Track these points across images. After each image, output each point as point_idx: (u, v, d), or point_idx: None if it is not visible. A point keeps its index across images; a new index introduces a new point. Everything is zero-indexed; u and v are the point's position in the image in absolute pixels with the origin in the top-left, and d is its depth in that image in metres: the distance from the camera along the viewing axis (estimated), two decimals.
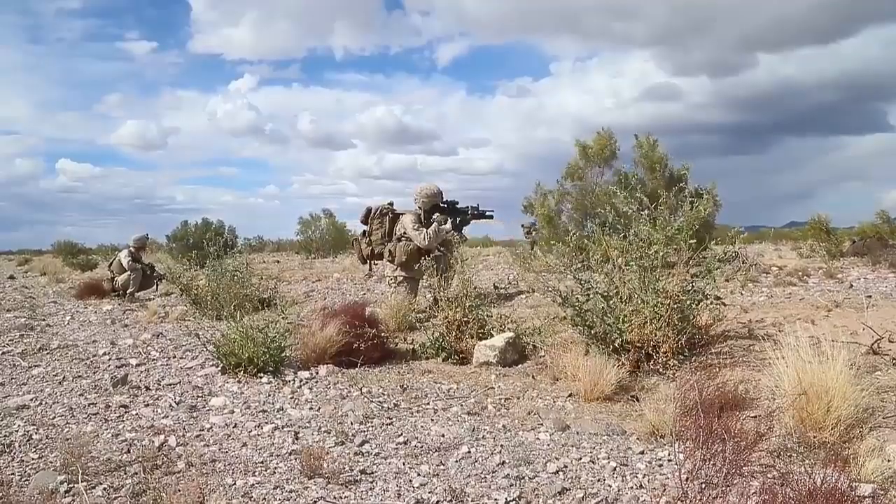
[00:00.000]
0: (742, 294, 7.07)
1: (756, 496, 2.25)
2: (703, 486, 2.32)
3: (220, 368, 4.53)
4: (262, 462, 2.91)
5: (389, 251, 7.11)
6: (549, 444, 3.16)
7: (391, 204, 7.43)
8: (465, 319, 5.03)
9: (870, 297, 6.48)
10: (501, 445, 3.13)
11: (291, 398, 3.97)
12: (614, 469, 2.83)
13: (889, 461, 2.65)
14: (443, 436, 3.29)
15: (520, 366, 4.75)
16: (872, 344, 4.25)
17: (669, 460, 2.89)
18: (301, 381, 4.34)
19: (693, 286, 4.43)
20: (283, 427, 3.39)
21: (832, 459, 2.63)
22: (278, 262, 18.86)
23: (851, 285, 7.95)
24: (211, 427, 3.40)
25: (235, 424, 3.44)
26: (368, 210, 7.45)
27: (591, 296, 4.57)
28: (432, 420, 3.59)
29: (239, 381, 4.30)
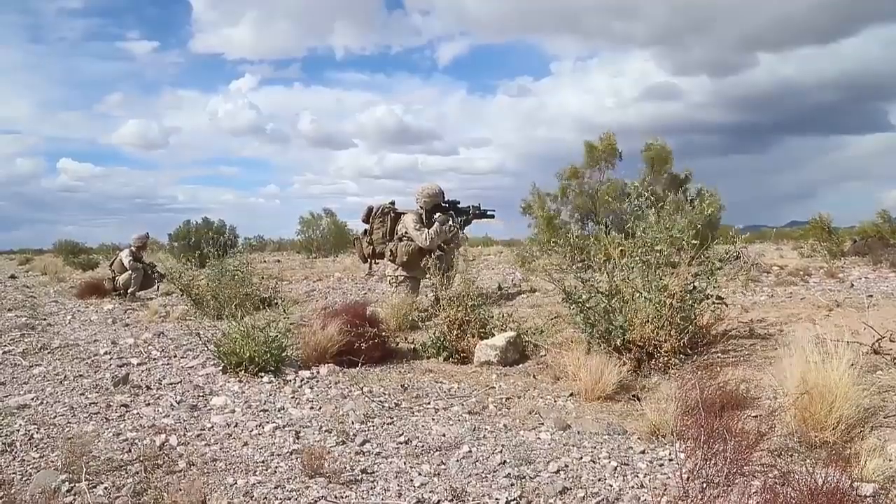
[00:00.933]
0: (744, 293, 7.07)
1: (757, 496, 2.24)
2: (705, 485, 2.32)
3: (221, 368, 4.54)
4: (263, 461, 2.91)
5: (391, 251, 7.12)
6: (550, 444, 3.16)
7: (392, 203, 7.43)
8: (467, 319, 5.03)
9: (871, 296, 6.48)
10: (502, 445, 3.13)
11: (292, 397, 3.97)
12: (615, 468, 2.83)
13: (890, 461, 2.65)
14: (444, 435, 3.29)
15: (521, 365, 4.75)
16: (873, 343, 4.24)
17: (670, 460, 2.89)
18: (302, 380, 4.34)
19: (695, 285, 4.43)
20: (284, 426, 3.39)
21: (833, 459, 2.62)
22: (279, 261, 18.86)
23: (852, 285, 7.95)
24: (212, 426, 3.40)
25: (236, 424, 3.44)
26: (370, 209, 7.46)
27: (594, 294, 4.57)
28: (433, 419, 3.59)
29: (240, 381, 4.30)
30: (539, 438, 3.25)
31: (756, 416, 3.14)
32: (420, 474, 2.77)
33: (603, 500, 2.53)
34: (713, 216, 4.42)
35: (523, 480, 2.70)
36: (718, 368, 3.90)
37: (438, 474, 2.79)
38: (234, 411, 3.67)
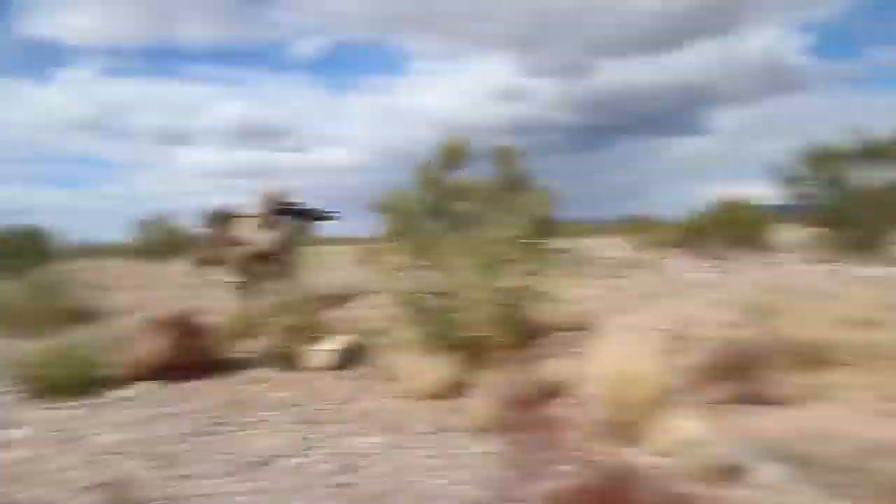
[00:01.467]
0: (572, 288, 7.50)
1: (566, 478, 2.38)
2: (523, 474, 2.43)
3: (24, 393, 4.06)
4: (65, 499, 2.63)
5: (228, 255, 6.79)
6: (379, 447, 3.15)
7: (232, 205, 7.11)
8: (302, 325, 4.89)
9: (686, 285, 7.14)
10: (331, 453, 3.08)
11: (104, 421, 3.63)
12: (443, 466, 2.87)
13: (678, 434, 2.92)
14: (271, 448, 3.17)
15: (355, 369, 4.69)
16: (677, 329, 4.67)
17: (493, 452, 2.98)
18: (119, 400, 4.00)
19: (527, 283, 4.61)
20: (93, 455, 3.09)
21: (634, 437, 2.85)
22: (109, 267, 17.36)
23: (673, 275, 8.73)
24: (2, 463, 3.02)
25: (34, 458, 3.08)
26: (209, 212, 7.09)
27: (428, 294, 4.63)
28: (261, 432, 3.45)
29: (46, 407, 3.88)
30: (369, 443, 3.23)
31: (572, 404, 3.34)
32: (241, 493, 2.65)
33: (429, 498, 2.55)
34: (545, 213, 4.66)
35: (349, 487, 2.66)
36: (541, 361, 4.10)
37: (264, 491, 2.68)
38: (34, 443, 3.29)
